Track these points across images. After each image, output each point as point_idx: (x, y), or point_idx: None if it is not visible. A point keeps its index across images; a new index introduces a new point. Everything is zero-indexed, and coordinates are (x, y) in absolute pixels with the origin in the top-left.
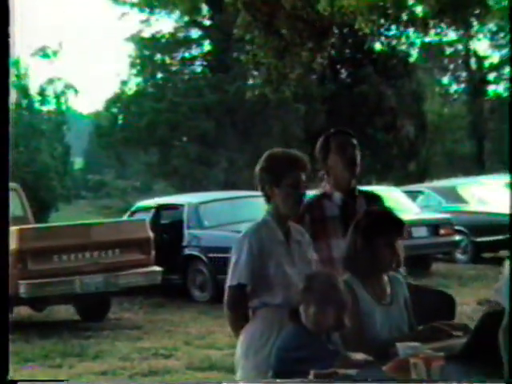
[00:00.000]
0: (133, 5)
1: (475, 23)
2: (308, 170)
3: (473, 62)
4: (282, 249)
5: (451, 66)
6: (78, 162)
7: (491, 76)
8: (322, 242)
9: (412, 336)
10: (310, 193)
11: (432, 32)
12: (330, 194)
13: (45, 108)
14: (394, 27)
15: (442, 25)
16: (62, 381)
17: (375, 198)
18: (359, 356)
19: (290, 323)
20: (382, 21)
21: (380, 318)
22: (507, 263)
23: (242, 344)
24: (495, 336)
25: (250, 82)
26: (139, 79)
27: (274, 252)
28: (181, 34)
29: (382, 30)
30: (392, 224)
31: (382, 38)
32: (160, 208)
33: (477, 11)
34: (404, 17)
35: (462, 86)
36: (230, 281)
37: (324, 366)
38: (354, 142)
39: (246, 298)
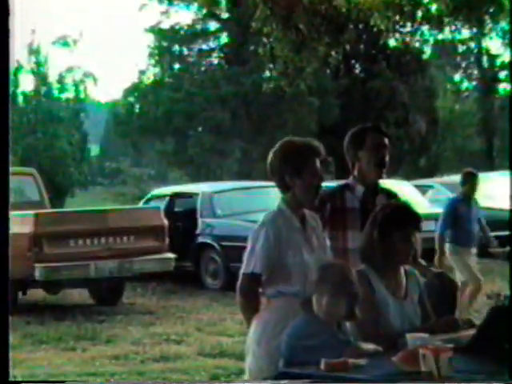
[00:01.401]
0: None
1: (488, 21)
2: (325, 158)
3: (485, 60)
4: (300, 236)
5: (463, 64)
6: (94, 150)
7: (502, 74)
8: (339, 232)
9: (422, 328)
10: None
11: (446, 29)
12: (353, 187)
13: (63, 96)
14: (408, 24)
15: (457, 23)
16: (62, 381)
17: (395, 196)
18: (369, 346)
19: (303, 312)
20: (397, 18)
21: (393, 311)
22: None
23: (256, 331)
24: (503, 330)
25: (266, 74)
26: (157, 69)
27: (291, 240)
28: (199, 26)
29: (396, 26)
30: (409, 217)
31: (397, 35)
32: (174, 196)
33: (491, 9)
34: (419, 14)
35: (474, 83)
36: (244, 268)
37: (334, 355)
38: (387, 142)
39: (259, 287)
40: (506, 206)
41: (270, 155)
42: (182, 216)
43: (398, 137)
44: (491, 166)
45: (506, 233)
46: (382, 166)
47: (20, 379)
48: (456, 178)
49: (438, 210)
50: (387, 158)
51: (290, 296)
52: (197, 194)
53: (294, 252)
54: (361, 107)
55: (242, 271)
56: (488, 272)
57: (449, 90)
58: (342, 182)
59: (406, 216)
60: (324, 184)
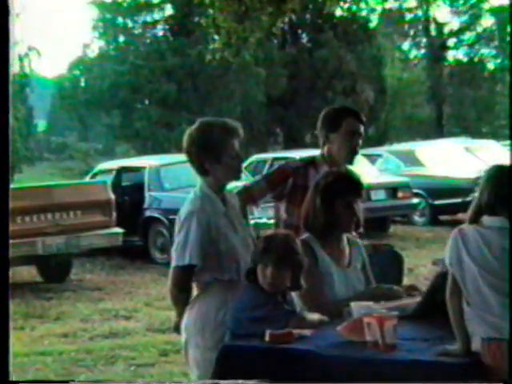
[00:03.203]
0: None
1: None
2: (241, 137)
3: (432, 27)
4: (225, 220)
5: (411, 32)
6: (41, 125)
7: (451, 42)
8: (296, 209)
9: (365, 296)
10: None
11: None
12: (318, 165)
13: None
14: None
15: None
16: (63, 381)
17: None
18: (314, 316)
19: (247, 285)
20: None
21: (337, 280)
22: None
23: (196, 321)
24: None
25: (212, 45)
26: (101, 42)
27: (219, 225)
28: None
29: None
30: (351, 185)
31: (342, 4)
32: (121, 170)
33: None
34: None
35: (422, 51)
36: (177, 260)
37: (279, 326)
38: (362, 130)
39: (193, 276)
40: (457, 174)
41: (186, 140)
42: (130, 190)
43: None
44: (441, 133)
45: (459, 200)
46: (354, 153)
47: None
48: (404, 146)
49: (387, 179)
50: (359, 147)
51: (225, 282)
52: (144, 168)
53: (223, 238)
54: (308, 77)
55: (174, 263)
56: (439, 239)
57: (397, 59)
58: (307, 155)
59: (347, 183)
60: (281, 155)
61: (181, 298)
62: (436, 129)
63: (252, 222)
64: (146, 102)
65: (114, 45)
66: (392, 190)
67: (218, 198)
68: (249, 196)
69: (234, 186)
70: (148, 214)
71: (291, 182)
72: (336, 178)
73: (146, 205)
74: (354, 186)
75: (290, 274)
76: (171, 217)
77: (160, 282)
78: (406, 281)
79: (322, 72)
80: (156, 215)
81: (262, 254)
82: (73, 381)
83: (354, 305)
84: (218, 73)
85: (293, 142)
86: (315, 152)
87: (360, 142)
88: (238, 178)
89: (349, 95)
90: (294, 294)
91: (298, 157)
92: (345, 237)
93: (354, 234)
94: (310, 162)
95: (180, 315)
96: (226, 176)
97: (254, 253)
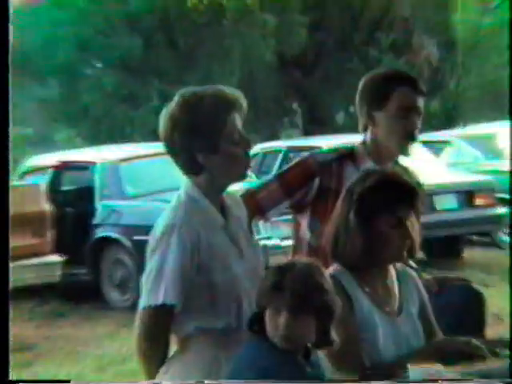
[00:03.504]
0: None
1: None
2: (245, 112)
3: None
4: (224, 237)
5: None
6: None
7: None
8: (325, 224)
9: (428, 353)
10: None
11: None
12: (359, 157)
13: None
14: None
15: None
16: (63, 381)
17: (412, 174)
18: None
19: (251, 337)
20: None
21: (383, 331)
22: None
23: None
24: None
25: None
26: None
27: (214, 245)
28: None
29: None
30: (402, 191)
31: None
32: (61, 168)
33: None
34: None
35: None
36: (148, 298)
37: None
38: (422, 106)
39: (171, 323)
40: None
41: (164, 122)
42: (73, 197)
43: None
44: None
45: None
46: (410, 139)
47: None
48: (485, 128)
49: (460, 178)
50: (418, 130)
51: (217, 333)
52: (95, 164)
53: (219, 264)
54: (339, 27)
55: (143, 303)
56: None
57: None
58: (339, 144)
59: (397, 190)
60: (300, 143)
61: (151, 350)
62: None
63: None
64: (98, 64)
65: None
66: (467, 194)
67: (213, 205)
68: (253, 204)
69: (234, 189)
70: (101, 233)
71: (317, 185)
72: (379, 182)
73: (97, 219)
74: (407, 193)
75: (314, 324)
76: (137, 237)
77: (118, 336)
78: (489, 331)
79: (359, 19)
80: (113, 235)
81: (271, 294)
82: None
83: (413, 369)
84: (205, 21)
85: (317, 125)
86: (353, 139)
87: (419, 122)
88: (243, 175)
89: (401, 53)
90: (320, 353)
91: (326, 146)
92: (393, 269)
93: (407, 262)
94: (347, 153)
95: (150, 374)
96: (227, 172)
97: (261, 291)
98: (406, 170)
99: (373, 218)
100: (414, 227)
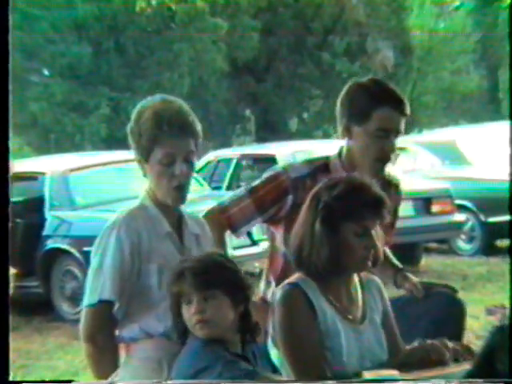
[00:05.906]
0: None
1: None
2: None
3: None
4: (171, 245)
5: None
6: None
7: None
8: None
9: (394, 361)
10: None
11: None
12: (335, 170)
13: None
14: None
15: None
16: (64, 381)
17: (398, 187)
18: None
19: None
20: None
21: (346, 338)
22: None
23: None
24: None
25: None
26: None
27: (157, 250)
28: None
29: None
30: (368, 200)
31: None
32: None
33: None
34: None
35: None
36: (88, 298)
37: None
38: (402, 126)
39: (114, 322)
40: None
41: (132, 127)
42: (23, 208)
43: (350, 74)
44: (496, 113)
45: None
46: (385, 160)
47: None
48: (442, 134)
49: (417, 185)
50: (394, 152)
51: (159, 337)
52: (44, 174)
53: (159, 268)
54: (293, 30)
55: (84, 303)
56: (496, 276)
57: (429, 0)
58: (318, 154)
59: (363, 198)
60: (253, 150)
61: (96, 354)
62: (489, 106)
63: None
64: (46, 72)
65: None
66: (424, 201)
67: (163, 215)
68: (225, 220)
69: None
70: (51, 244)
71: (291, 201)
72: (346, 191)
73: (47, 231)
74: (373, 202)
75: (227, 304)
76: (87, 248)
77: (71, 349)
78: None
79: (314, 23)
80: (63, 246)
81: (177, 283)
82: (73, 381)
83: (368, 374)
84: (155, 27)
85: (270, 131)
86: (306, 145)
87: (396, 143)
88: (178, 199)
89: (355, 58)
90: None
91: (279, 154)
92: (357, 276)
93: (372, 271)
94: (321, 166)
95: (101, 377)
96: (160, 192)
97: (169, 287)
98: (390, 178)
99: (338, 226)
100: (379, 236)
